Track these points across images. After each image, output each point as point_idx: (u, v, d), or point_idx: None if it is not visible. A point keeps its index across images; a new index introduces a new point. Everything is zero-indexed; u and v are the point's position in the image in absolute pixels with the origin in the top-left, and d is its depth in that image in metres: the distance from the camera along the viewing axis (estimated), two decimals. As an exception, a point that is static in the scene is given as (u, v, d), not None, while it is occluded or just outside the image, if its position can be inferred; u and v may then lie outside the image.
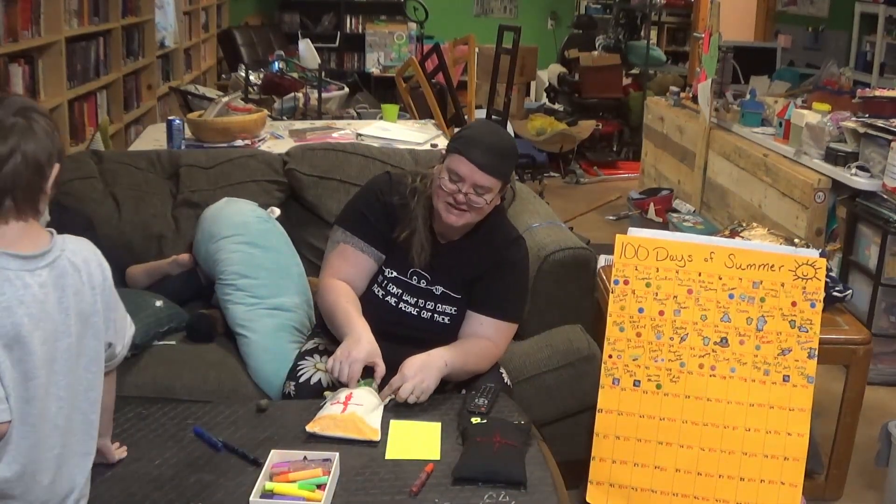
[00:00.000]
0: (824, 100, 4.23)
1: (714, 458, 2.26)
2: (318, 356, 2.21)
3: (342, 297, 2.11)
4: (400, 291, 2.17)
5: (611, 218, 5.86)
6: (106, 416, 1.71)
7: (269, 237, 2.63)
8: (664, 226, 4.94)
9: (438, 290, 2.17)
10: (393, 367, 2.18)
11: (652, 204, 5.37)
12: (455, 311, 2.16)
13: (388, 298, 2.16)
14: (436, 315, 2.17)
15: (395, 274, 2.17)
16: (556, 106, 7.90)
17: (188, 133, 3.74)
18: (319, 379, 2.13)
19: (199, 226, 2.67)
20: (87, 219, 2.72)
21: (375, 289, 2.17)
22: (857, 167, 3.62)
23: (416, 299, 2.16)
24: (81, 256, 1.54)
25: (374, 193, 2.19)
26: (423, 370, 1.99)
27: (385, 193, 2.17)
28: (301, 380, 2.14)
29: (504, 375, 2.21)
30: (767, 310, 2.29)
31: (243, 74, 5.42)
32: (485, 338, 2.16)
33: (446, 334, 2.16)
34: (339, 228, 2.21)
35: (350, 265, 2.15)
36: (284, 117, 4.76)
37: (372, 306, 2.16)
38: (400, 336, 2.16)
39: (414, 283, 2.16)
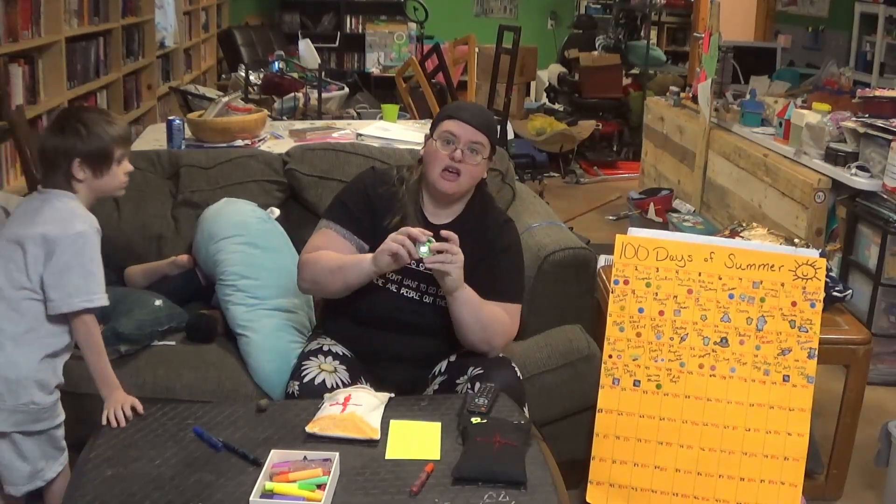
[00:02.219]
0: (824, 100, 4.23)
1: (714, 458, 2.26)
2: (323, 356, 2.20)
3: (326, 254, 2.17)
4: (400, 277, 2.19)
5: (611, 218, 5.85)
6: (91, 363, 1.95)
7: (269, 237, 2.64)
8: (664, 226, 4.93)
9: None
10: (396, 358, 2.20)
11: (652, 204, 5.36)
12: None
13: (388, 286, 2.18)
14: (437, 300, 2.19)
15: None
16: (556, 106, 7.89)
17: (188, 133, 3.73)
18: (324, 380, 2.12)
19: (199, 226, 2.67)
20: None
21: (375, 278, 2.18)
22: (857, 167, 3.62)
23: (416, 283, 2.19)
24: (47, 217, 1.92)
25: (358, 186, 2.27)
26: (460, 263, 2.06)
27: (370, 186, 2.25)
28: (305, 380, 2.13)
29: (517, 370, 2.21)
30: (767, 310, 2.29)
31: (243, 74, 5.42)
32: None
33: (448, 319, 2.17)
34: (322, 219, 2.28)
35: (330, 243, 2.21)
36: (284, 117, 4.76)
37: (373, 295, 2.18)
38: (402, 322, 2.18)
39: (413, 266, 2.17)
